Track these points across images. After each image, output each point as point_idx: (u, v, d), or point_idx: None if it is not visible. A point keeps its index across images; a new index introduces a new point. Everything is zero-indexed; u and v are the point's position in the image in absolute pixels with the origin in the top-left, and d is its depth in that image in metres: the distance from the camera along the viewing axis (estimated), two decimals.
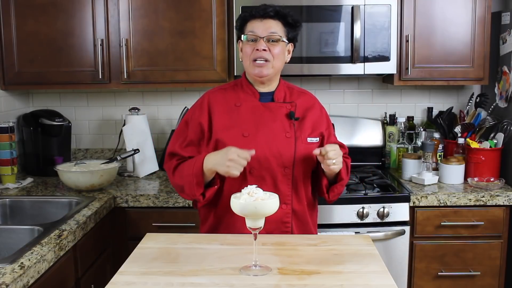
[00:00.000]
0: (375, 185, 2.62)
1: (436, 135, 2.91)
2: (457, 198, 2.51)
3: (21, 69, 2.76)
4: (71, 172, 2.52)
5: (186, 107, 2.95)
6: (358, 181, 2.65)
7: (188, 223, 2.48)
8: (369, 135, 3.04)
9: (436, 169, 2.79)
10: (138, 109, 2.96)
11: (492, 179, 2.64)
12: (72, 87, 2.93)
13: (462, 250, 2.56)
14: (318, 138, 1.91)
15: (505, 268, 2.60)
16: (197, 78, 2.76)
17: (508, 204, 2.54)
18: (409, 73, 2.75)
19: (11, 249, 1.89)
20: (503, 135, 2.67)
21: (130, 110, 2.94)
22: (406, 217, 2.51)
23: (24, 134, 2.91)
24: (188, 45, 2.73)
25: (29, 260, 1.65)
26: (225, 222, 1.88)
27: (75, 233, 1.99)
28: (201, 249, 1.67)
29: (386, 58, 2.68)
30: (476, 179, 2.64)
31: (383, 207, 2.49)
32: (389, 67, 2.70)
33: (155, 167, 2.98)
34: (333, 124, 2.07)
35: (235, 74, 2.72)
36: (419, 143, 2.93)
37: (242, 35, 1.88)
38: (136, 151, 2.80)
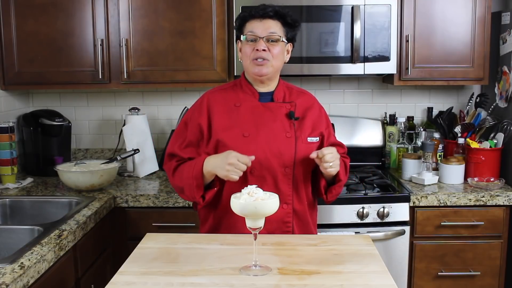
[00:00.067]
0: (375, 185, 2.62)
1: (436, 135, 2.91)
2: (457, 198, 2.51)
3: (21, 69, 2.76)
4: (71, 172, 2.52)
5: (186, 107, 2.95)
6: (358, 181, 2.65)
7: (188, 223, 2.48)
8: (369, 135, 3.04)
9: (436, 169, 2.79)
10: (138, 109, 2.96)
11: (492, 179, 2.64)
12: (72, 87, 2.93)
13: (462, 250, 2.56)
14: (318, 138, 1.91)
15: (505, 268, 2.60)
16: (197, 78, 2.76)
17: (508, 204, 2.54)
18: (409, 73, 2.75)
19: (11, 249, 1.89)
20: (503, 135, 2.67)
21: (130, 110, 2.94)
22: (406, 217, 2.51)
23: (24, 134, 2.91)
24: (188, 45, 2.73)
25: (29, 260, 1.65)
26: (225, 223, 1.88)
27: (75, 233, 1.99)
28: (201, 249, 1.67)
29: (386, 58, 2.68)
30: (476, 179, 2.64)
31: (383, 207, 2.49)
32: (389, 67, 2.70)
33: (155, 167, 2.98)
34: (332, 124, 2.07)
35: (235, 74, 2.72)
36: (419, 143, 2.93)
37: (242, 35, 1.88)
38: (136, 151, 2.80)
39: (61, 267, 1.86)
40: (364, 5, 2.63)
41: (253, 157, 1.74)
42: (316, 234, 1.99)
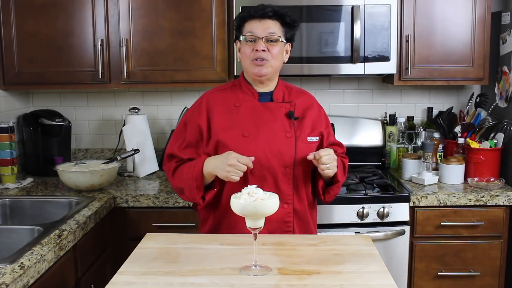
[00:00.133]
0: (375, 185, 2.62)
1: (436, 135, 2.91)
2: (457, 198, 2.51)
3: (21, 69, 2.76)
4: (71, 172, 2.52)
5: (186, 107, 2.95)
6: (358, 181, 2.65)
7: (188, 223, 2.48)
8: (369, 135, 3.04)
9: (436, 169, 2.79)
10: (138, 109, 2.96)
11: (492, 179, 2.64)
12: (72, 87, 2.93)
13: (462, 250, 2.56)
14: (317, 137, 1.91)
15: (505, 268, 2.60)
16: (197, 78, 2.76)
17: (508, 204, 2.54)
18: (409, 73, 2.75)
19: (11, 249, 1.89)
20: (503, 135, 2.67)
21: (130, 110, 2.94)
22: (406, 217, 2.51)
23: (24, 134, 2.91)
24: (188, 45, 2.73)
25: (29, 260, 1.65)
26: (225, 223, 1.88)
27: (75, 233, 1.99)
28: (201, 249, 1.67)
29: (386, 58, 2.68)
30: (476, 179, 2.64)
31: (383, 207, 2.49)
32: (389, 67, 2.70)
33: (155, 167, 2.98)
34: (332, 124, 2.07)
35: (235, 74, 2.72)
36: (419, 143, 2.93)
37: (241, 36, 1.88)
38: (136, 151, 2.80)
39: (61, 267, 1.86)
40: (364, 5, 2.63)
41: (253, 158, 1.75)
42: (316, 233, 1.99)
